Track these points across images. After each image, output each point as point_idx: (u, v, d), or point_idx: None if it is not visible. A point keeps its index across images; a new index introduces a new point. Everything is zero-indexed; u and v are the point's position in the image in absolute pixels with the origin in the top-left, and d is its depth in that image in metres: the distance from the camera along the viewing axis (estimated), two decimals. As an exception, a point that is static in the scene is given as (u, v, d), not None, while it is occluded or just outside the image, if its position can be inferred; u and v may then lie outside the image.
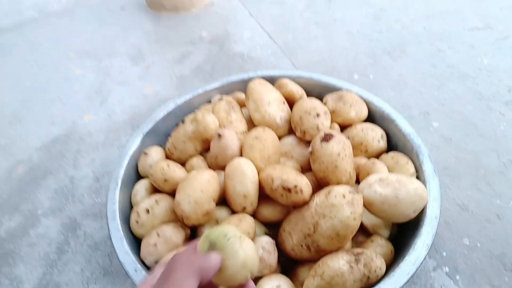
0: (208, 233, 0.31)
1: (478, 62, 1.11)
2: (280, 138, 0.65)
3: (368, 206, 0.50)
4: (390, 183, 0.50)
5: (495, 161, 0.84)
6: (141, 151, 0.68)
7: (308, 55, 1.19)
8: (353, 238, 0.54)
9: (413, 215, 0.50)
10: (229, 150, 0.59)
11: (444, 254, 0.68)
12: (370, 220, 0.54)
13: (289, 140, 0.65)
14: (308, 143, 0.61)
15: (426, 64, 1.12)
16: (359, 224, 0.47)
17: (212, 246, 0.30)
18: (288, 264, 0.54)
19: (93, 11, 1.54)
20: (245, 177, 0.53)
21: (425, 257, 0.46)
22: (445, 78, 1.07)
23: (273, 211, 0.55)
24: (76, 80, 1.17)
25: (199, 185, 0.52)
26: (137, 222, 0.56)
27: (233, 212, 0.56)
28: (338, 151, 0.53)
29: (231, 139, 0.60)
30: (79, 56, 1.28)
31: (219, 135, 0.60)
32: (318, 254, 0.49)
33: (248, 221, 0.51)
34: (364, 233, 0.55)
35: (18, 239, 0.76)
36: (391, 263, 0.50)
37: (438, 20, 1.30)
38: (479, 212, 0.75)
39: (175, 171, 0.59)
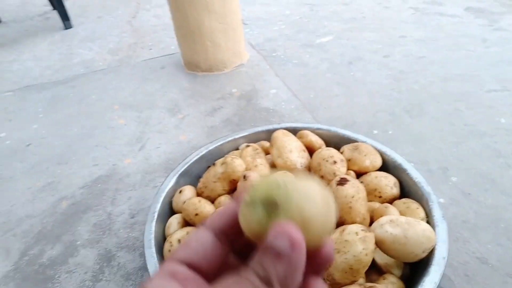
0: (251, 197, 0.22)
1: (495, 122, 1.16)
2: (300, 182, 0.71)
3: (379, 244, 0.55)
4: (400, 224, 0.55)
5: (514, 216, 0.85)
6: (175, 190, 0.76)
7: (329, 111, 1.29)
8: (367, 276, 0.57)
9: (422, 255, 0.53)
10: None
11: (461, 304, 0.69)
12: (383, 260, 0.58)
13: (309, 184, 0.71)
14: (325, 187, 0.67)
15: (444, 123, 1.18)
16: (371, 259, 0.51)
17: (271, 206, 0.20)
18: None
19: (135, 69, 1.74)
20: None
21: (433, 294, 0.49)
22: (463, 136, 1.11)
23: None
24: (119, 128, 1.31)
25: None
26: (169, 251, 0.63)
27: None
28: (353, 193, 0.59)
29: (255, 180, 0.67)
30: (123, 108, 1.43)
31: (245, 176, 0.67)
32: (333, 287, 0.53)
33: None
34: (377, 271, 0.58)
35: (58, 266, 0.83)
36: (402, 301, 0.53)
37: (455, 82, 1.38)
38: (500, 266, 0.76)
39: (205, 206, 0.66)
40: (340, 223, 0.60)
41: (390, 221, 0.56)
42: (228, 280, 0.20)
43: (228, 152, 0.86)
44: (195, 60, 1.57)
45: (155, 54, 1.88)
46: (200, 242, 0.23)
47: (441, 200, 0.91)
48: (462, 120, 1.18)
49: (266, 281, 0.19)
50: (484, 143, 1.08)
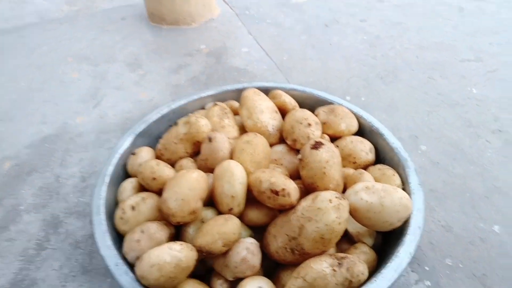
0: None
1: (467, 92, 1.15)
2: (271, 146, 0.65)
3: (353, 212, 0.51)
4: (376, 191, 0.51)
5: (481, 185, 0.86)
6: (131, 151, 0.68)
7: (303, 75, 1.22)
8: (337, 245, 0.54)
9: (397, 224, 0.50)
10: (219, 153, 0.60)
11: (427, 268, 0.68)
12: (355, 228, 0.55)
13: (280, 148, 0.66)
14: (298, 151, 0.62)
15: (417, 91, 1.16)
16: (344, 229, 0.47)
17: None
18: (271, 268, 0.54)
19: (93, 19, 1.57)
20: (233, 178, 0.53)
21: (407, 265, 0.46)
22: (436, 105, 1.10)
23: (260, 214, 0.55)
24: (72, 83, 1.18)
25: (187, 183, 0.52)
26: (121, 218, 0.56)
27: (220, 213, 0.56)
28: (327, 158, 0.54)
29: (222, 142, 0.60)
30: (77, 61, 1.29)
31: (210, 138, 0.60)
32: (302, 257, 0.48)
33: (234, 222, 0.51)
34: (348, 240, 0.55)
35: (-4, 233, 0.74)
36: (374, 271, 0.50)
37: (430, 51, 1.35)
38: (463, 234, 0.76)
39: (164, 170, 0.59)
40: (312, 189, 0.55)
41: (366, 187, 0.52)
42: None
43: (193, 112, 0.78)
44: (160, 11, 1.43)
45: (115, 4, 1.70)
46: None
47: (412, 168, 0.90)
48: (436, 89, 1.16)
49: None
50: (456, 112, 1.07)
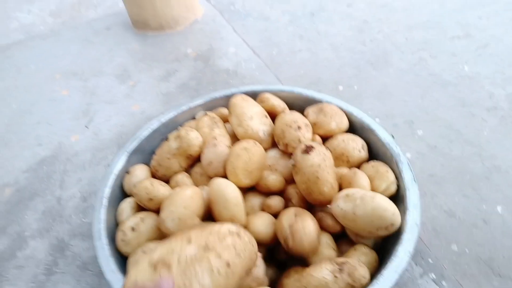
0: None
1: (459, 70, 1.14)
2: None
3: (337, 219, 0.52)
4: (352, 199, 0.51)
5: (479, 166, 0.85)
6: (126, 170, 0.68)
7: (293, 69, 1.21)
8: (337, 247, 0.54)
9: (379, 232, 0.50)
10: (224, 156, 0.61)
11: (430, 260, 0.68)
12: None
13: (273, 153, 0.66)
14: (291, 155, 0.62)
15: (409, 73, 1.15)
16: None
17: None
18: (275, 278, 0.54)
19: (78, 32, 1.55)
20: (228, 203, 0.53)
21: (407, 264, 0.46)
22: (428, 87, 1.09)
23: (263, 225, 0.56)
24: (63, 101, 1.18)
25: (182, 201, 0.53)
26: (123, 240, 0.56)
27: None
28: (319, 162, 0.54)
29: (225, 146, 0.62)
30: (65, 77, 1.28)
31: (215, 143, 0.61)
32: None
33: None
34: (348, 242, 0.55)
35: (5, 262, 0.75)
36: (376, 272, 0.51)
37: (419, 30, 1.33)
38: (466, 218, 0.76)
39: (159, 189, 0.59)
40: (308, 194, 0.56)
41: (346, 195, 0.52)
42: None
43: (183, 123, 0.78)
44: (143, 17, 1.41)
45: (100, 12, 1.68)
46: None
47: (408, 155, 0.90)
48: (427, 70, 1.15)
49: None
50: (449, 92, 1.06)
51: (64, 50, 1.43)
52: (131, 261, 0.54)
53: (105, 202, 0.61)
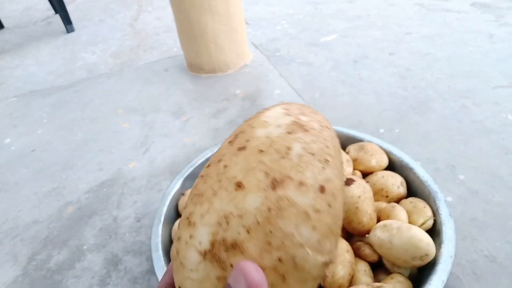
0: None
1: (503, 118, 1.14)
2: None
3: (373, 248, 0.55)
4: (390, 229, 0.54)
5: (522, 213, 0.84)
6: (181, 193, 0.76)
7: (335, 111, 1.28)
8: (374, 276, 0.57)
9: (414, 262, 0.53)
10: None
11: (471, 303, 0.68)
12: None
13: (315, 185, 0.70)
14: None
15: (451, 120, 1.17)
16: None
17: None
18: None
19: (139, 72, 1.74)
20: None
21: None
22: (471, 134, 1.10)
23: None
24: (123, 132, 1.31)
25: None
26: (175, 255, 0.62)
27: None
28: (359, 194, 0.58)
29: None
30: (127, 112, 1.43)
31: None
32: None
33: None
34: (385, 271, 0.57)
35: (65, 271, 0.83)
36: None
37: (462, 79, 1.36)
38: (508, 264, 0.75)
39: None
40: (347, 223, 0.59)
41: (384, 225, 0.56)
42: None
43: (232, 154, 0.85)
44: (198, 62, 1.57)
45: (157, 56, 1.88)
46: None
47: (449, 198, 0.90)
48: (469, 117, 1.17)
49: None
50: (492, 140, 1.07)
51: (127, 88, 1.61)
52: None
53: (162, 219, 0.69)
